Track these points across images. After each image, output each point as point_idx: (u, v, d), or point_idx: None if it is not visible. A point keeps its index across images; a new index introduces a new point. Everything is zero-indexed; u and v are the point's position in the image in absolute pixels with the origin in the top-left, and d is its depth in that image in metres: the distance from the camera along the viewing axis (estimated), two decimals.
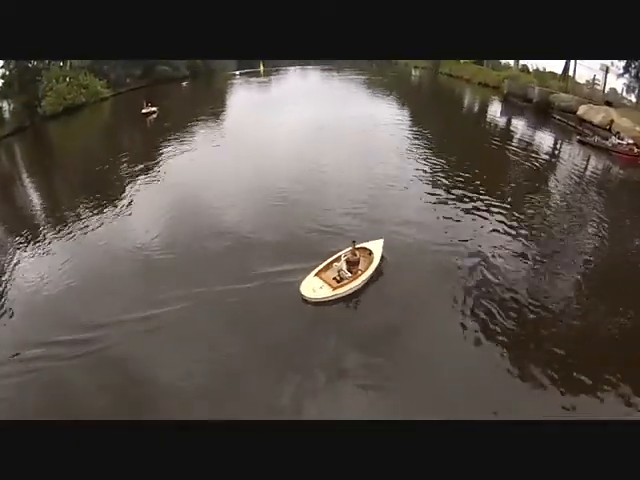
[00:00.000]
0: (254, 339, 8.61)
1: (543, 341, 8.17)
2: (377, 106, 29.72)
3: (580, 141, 21.24)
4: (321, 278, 10.32)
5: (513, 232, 12.05)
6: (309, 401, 7.30)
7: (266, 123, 24.33)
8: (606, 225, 12.42)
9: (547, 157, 19.64)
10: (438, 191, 14.83)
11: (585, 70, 28.44)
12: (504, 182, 16.07)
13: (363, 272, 10.42)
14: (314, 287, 10.04)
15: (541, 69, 33.38)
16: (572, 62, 29.34)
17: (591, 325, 8.49)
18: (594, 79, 27.78)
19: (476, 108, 33.67)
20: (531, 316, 8.83)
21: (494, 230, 12.18)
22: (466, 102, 35.82)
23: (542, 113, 26.54)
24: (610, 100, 25.21)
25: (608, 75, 26.18)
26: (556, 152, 20.96)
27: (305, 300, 9.82)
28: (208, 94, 40.46)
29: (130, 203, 14.79)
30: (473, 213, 13.16)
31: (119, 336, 8.78)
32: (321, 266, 10.62)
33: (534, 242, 11.56)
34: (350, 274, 10.40)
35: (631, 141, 19.21)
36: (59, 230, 13.31)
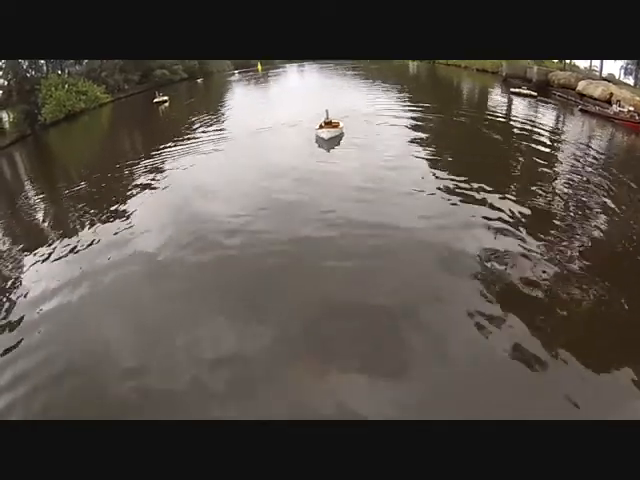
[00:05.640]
0: None
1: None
2: (382, 95, 29.03)
3: (582, 110, 21.80)
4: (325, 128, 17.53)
5: (523, 205, 10.96)
6: None
7: (272, 115, 23.62)
8: (617, 196, 11.42)
9: (553, 128, 19.56)
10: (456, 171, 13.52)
11: None
12: (514, 154, 15.62)
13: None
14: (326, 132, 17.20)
15: None
16: None
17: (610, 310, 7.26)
18: (591, 62, 27.49)
19: (478, 90, 33.37)
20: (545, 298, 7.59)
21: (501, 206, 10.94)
22: (468, 86, 35.58)
23: (543, 91, 26.35)
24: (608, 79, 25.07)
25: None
26: (561, 122, 21.41)
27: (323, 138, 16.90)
28: (211, 93, 41.76)
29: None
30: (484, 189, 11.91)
31: None
32: (317, 126, 17.88)
33: (547, 213, 10.70)
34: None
35: (632, 108, 19.18)
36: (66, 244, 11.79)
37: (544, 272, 8.13)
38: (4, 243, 12.88)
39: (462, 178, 12.58)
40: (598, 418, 4.81)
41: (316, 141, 17.31)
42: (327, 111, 18.23)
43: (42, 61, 34.30)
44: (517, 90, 26.59)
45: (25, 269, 10.70)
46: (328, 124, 17.96)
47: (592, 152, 15.61)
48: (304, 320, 7.42)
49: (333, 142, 16.98)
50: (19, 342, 7.82)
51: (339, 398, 5.80)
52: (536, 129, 18.68)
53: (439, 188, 12.16)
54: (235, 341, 7.14)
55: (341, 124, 18.20)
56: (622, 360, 6.09)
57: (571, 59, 27.87)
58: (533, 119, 20.94)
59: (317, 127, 17.95)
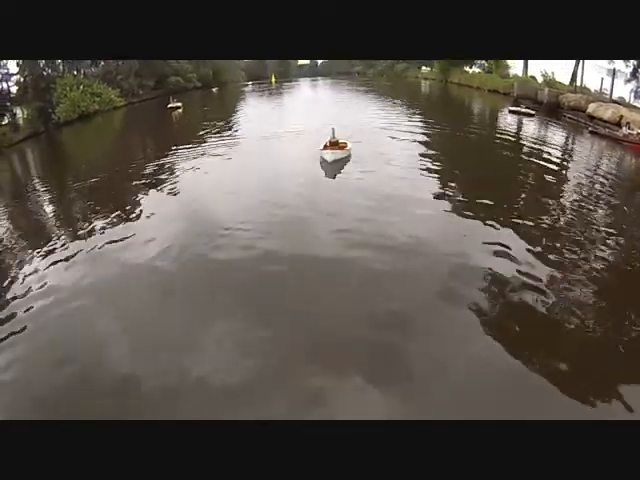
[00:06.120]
0: None
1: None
2: (393, 112, 29.14)
3: (592, 132, 21.83)
4: (330, 149, 15.75)
5: (532, 223, 10.93)
6: None
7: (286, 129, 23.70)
8: (625, 219, 11.35)
9: (562, 149, 19.81)
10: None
11: (592, 78, 28.81)
12: (522, 174, 15.62)
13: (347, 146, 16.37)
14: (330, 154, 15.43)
15: (548, 77, 33.35)
16: (579, 70, 29.80)
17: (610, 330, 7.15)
18: (602, 85, 27.69)
19: (489, 110, 33.77)
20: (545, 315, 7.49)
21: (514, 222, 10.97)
22: (479, 106, 35.96)
23: (553, 113, 26.68)
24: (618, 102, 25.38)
25: (616, 81, 26.18)
26: (570, 144, 21.57)
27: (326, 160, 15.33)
28: (224, 102, 42.69)
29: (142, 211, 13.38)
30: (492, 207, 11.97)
31: None
32: (322, 146, 16.06)
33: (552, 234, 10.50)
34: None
35: None
36: (73, 240, 11.74)
37: (549, 291, 8.09)
38: (7, 236, 12.83)
39: (470, 196, 12.57)
40: (598, 418, 4.82)
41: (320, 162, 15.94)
42: (333, 130, 16.18)
43: (59, 60, 34.88)
44: (515, 109, 27.12)
45: (25, 264, 10.59)
46: (334, 144, 16.01)
47: (601, 173, 15.62)
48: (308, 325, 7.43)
49: (338, 165, 15.32)
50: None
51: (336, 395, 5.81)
52: (545, 149, 18.75)
53: (446, 207, 12.12)
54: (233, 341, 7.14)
55: (349, 145, 16.42)
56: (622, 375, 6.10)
57: (570, 59, 28.48)
58: (543, 140, 21.07)
59: (321, 147, 16.11)
